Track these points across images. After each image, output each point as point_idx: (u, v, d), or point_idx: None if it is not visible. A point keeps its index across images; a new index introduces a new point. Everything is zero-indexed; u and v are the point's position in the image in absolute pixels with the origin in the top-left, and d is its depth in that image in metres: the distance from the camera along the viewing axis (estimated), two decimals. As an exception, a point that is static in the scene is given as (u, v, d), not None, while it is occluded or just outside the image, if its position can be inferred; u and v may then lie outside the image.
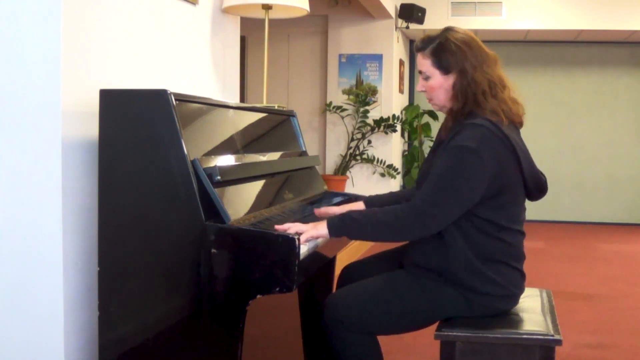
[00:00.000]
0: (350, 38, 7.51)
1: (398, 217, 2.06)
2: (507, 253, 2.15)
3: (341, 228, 2.09)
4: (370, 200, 2.54)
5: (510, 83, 2.18)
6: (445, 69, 2.13)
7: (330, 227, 2.09)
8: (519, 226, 2.19)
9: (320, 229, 2.07)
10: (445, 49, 2.12)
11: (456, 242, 2.10)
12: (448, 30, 2.17)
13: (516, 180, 2.12)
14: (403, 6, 7.30)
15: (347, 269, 2.53)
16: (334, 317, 2.16)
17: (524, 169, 2.11)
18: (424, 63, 2.17)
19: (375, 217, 2.08)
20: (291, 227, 2.04)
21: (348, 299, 2.18)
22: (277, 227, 2.02)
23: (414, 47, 2.23)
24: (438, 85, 2.16)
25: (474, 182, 2.03)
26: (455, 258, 2.12)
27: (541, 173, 2.23)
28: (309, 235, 2.04)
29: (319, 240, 2.12)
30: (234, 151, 2.28)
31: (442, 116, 2.52)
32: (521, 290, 2.24)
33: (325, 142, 7.64)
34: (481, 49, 2.15)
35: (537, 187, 2.20)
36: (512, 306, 2.23)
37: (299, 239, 1.86)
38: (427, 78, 2.18)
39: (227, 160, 2.16)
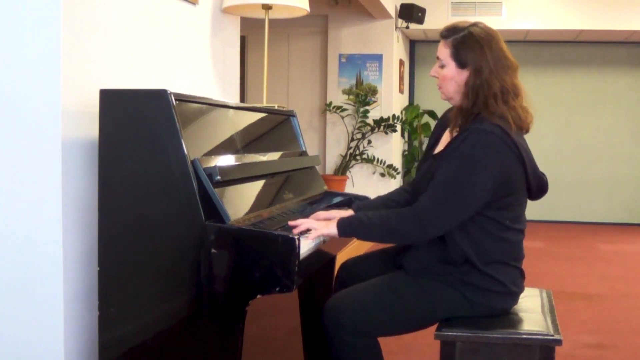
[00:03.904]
0: (350, 38, 7.50)
1: (401, 223, 2.11)
2: (508, 252, 2.16)
3: (350, 228, 2.15)
4: (359, 208, 2.49)
5: (524, 92, 2.17)
6: (461, 63, 2.13)
7: (339, 226, 2.15)
8: (520, 226, 2.20)
9: (330, 228, 2.15)
10: (466, 44, 2.11)
11: (457, 241, 2.11)
12: (474, 25, 2.16)
13: (521, 183, 2.13)
14: (403, 6, 7.30)
15: (345, 267, 2.53)
16: (334, 321, 2.14)
17: (528, 172, 2.12)
18: (444, 51, 2.16)
19: (380, 221, 2.13)
20: (304, 224, 2.15)
21: (348, 302, 2.17)
22: (290, 222, 2.14)
23: (439, 33, 2.21)
24: (450, 76, 2.16)
25: (478, 191, 2.05)
26: (456, 257, 2.12)
27: (543, 174, 2.23)
28: (320, 233, 2.13)
29: (321, 238, 2.15)
30: (234, 151, 2.28)
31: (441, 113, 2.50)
32: (521, 289, 2.24)
33: (325, 142, 7.64)
34: (502, 52, 2.13)
35: (539, 187, 2.22)
36: (512, 305, 2.23)
37: (299, 239, 1.86)
38: (442, 66, 2.18)
39: (227, 160, 2.16)
